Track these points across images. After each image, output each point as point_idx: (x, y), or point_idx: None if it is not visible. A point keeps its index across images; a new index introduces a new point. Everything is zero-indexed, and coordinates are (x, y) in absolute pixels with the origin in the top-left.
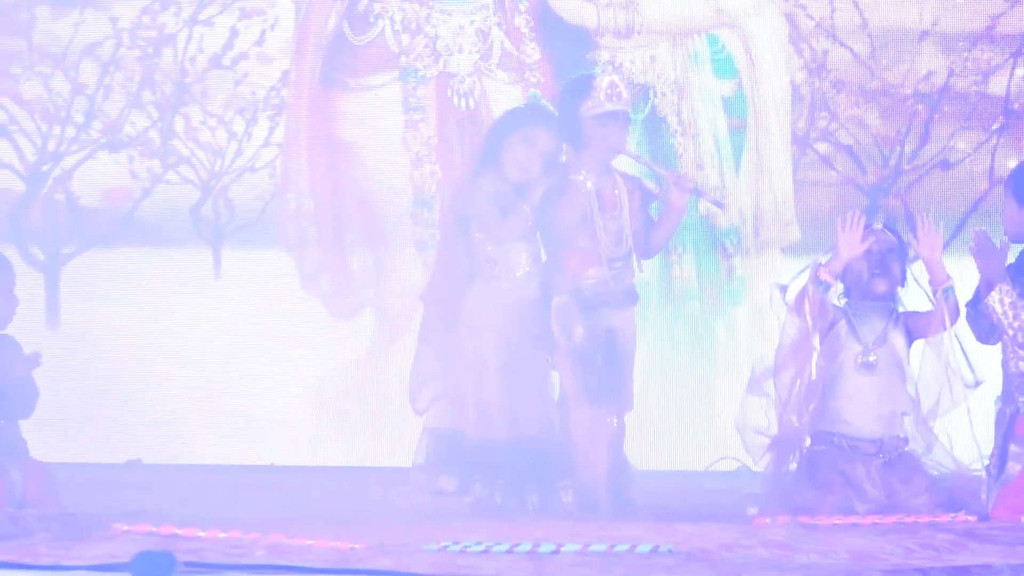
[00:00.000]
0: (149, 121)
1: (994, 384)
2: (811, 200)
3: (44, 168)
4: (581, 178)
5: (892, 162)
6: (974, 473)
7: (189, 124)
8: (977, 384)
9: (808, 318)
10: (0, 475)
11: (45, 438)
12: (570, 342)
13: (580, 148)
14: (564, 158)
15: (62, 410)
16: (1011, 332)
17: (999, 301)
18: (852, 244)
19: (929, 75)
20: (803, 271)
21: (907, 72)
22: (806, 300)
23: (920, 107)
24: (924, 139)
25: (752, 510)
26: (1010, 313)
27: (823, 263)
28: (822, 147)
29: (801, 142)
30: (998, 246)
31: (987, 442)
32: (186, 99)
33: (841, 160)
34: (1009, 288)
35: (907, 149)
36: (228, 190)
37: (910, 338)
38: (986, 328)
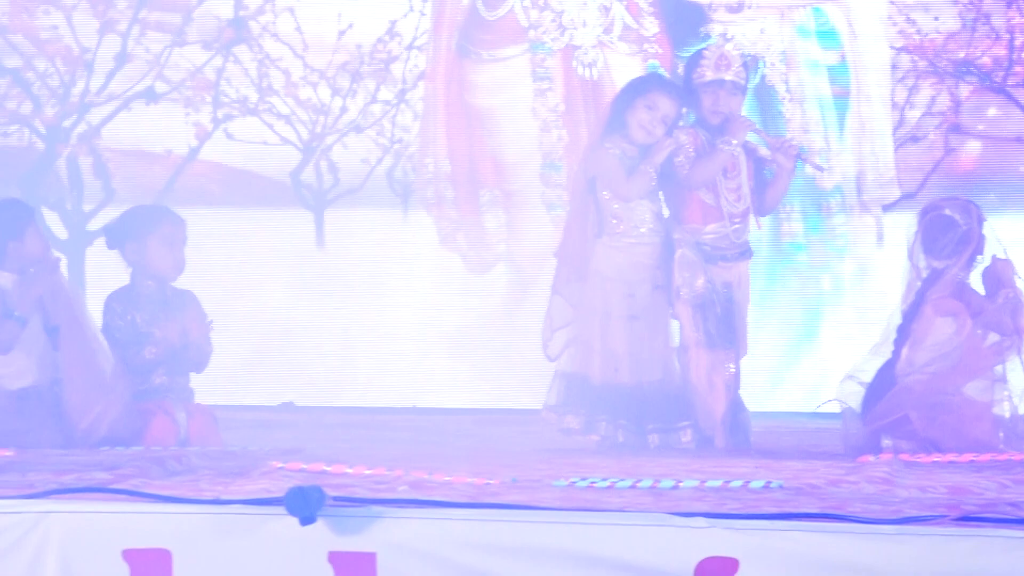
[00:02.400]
0: (195, 64)
1: None
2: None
3: (66, 124)
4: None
5: None
6: None
7: (289, 80)
8: None
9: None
10: (167, 417)
11: (210, 384)
12: (692, 292)
13: (698, 113)
14: (682, 123)
15: (225, 359)
16: None
17: None
18: None
19: None
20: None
21: None
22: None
23: None
24: None
25: (886, 441)
26: None
27: None
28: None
29: (997, 87)
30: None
31: None
32: (245, 35)
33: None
34: None
35: None
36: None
37: None
38: None
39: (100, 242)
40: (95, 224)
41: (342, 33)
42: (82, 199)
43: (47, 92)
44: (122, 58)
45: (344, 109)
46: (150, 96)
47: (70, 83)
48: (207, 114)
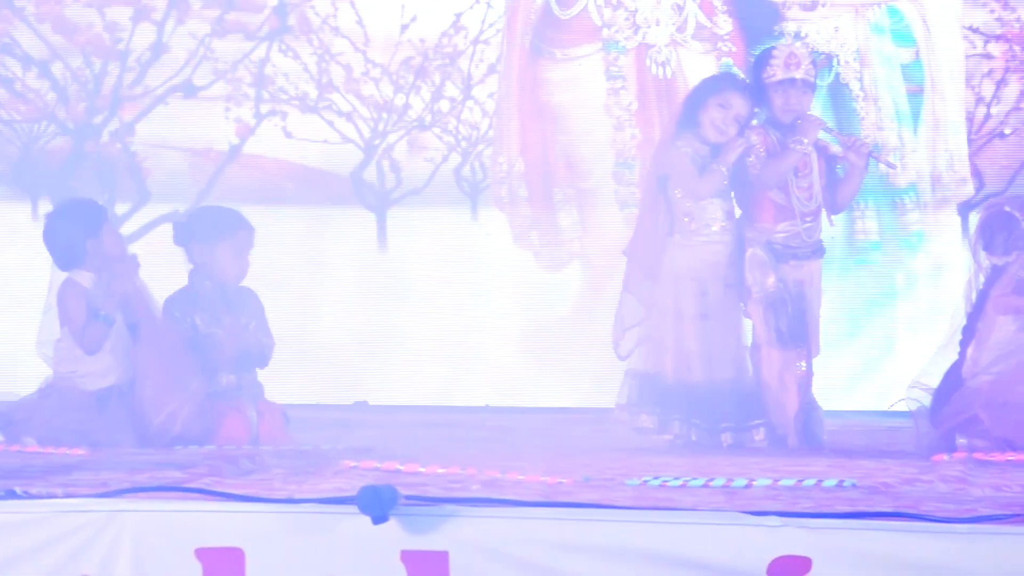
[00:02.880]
0: (235, 56)
1: None
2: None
3: (96, 120)
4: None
5: None
6: None
7: (350, 75)
8: None
9: None
10: (238, 416)
11: (282, 382)
12: (763, 291)
13: (768, 112)
14: (755, 121)
15: (297, 356)
16: None
17: None
18: None
19: None
20: None
21: None
22: None
23: None
24: None
25: (961, 440)
26: None
27: None
28: None
29: None
30: None
31: None
32: (293, 26)
33: None
34: None
35: None
36: (393, 150)
37: None
38: None
39: (135, 247)
40: (129, 228)
41: (405, 27)
42: (115, 200)
43: (76, 86)
44: (158, 49)
45: (408, 106)
46: (188, 90)
47: (101, 76)
48: (248, 109)
